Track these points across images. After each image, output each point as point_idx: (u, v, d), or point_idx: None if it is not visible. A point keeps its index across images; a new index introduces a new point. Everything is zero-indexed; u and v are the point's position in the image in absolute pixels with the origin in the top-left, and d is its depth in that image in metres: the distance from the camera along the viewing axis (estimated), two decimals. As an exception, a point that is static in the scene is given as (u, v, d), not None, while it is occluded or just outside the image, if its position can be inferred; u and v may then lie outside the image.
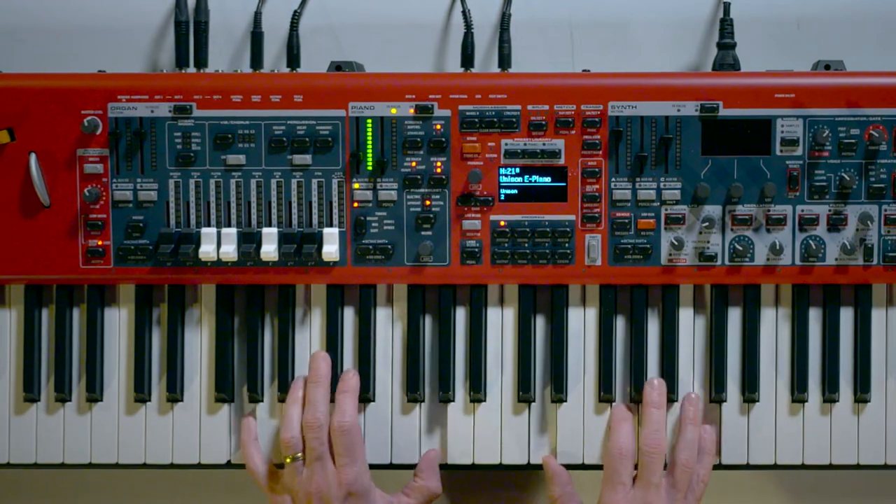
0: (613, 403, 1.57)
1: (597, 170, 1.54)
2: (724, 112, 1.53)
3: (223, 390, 1.57)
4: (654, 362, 1.57)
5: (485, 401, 1.58)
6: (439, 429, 1.57)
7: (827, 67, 1.57)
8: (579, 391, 1.58)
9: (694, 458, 1.53)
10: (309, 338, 1.58)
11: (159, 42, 1.66)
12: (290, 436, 1.53)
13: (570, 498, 1.54)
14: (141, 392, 1.57)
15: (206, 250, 1.54)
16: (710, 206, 1.54)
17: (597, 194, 1.54)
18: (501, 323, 1.58)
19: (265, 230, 1.54)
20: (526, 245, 1.55)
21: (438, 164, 1.54)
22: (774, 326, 1.57)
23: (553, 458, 1.56)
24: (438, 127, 1.54)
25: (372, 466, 1.56)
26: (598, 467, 1.56)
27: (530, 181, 1.54)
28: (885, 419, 1.56)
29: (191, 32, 1.62)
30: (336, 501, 1.50)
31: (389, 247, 1.54)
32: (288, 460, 1.53)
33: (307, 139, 1.54)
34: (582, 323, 1.58)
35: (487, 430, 1.57)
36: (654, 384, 1.55)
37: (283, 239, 1.54)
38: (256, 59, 1.62)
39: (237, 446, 1.58)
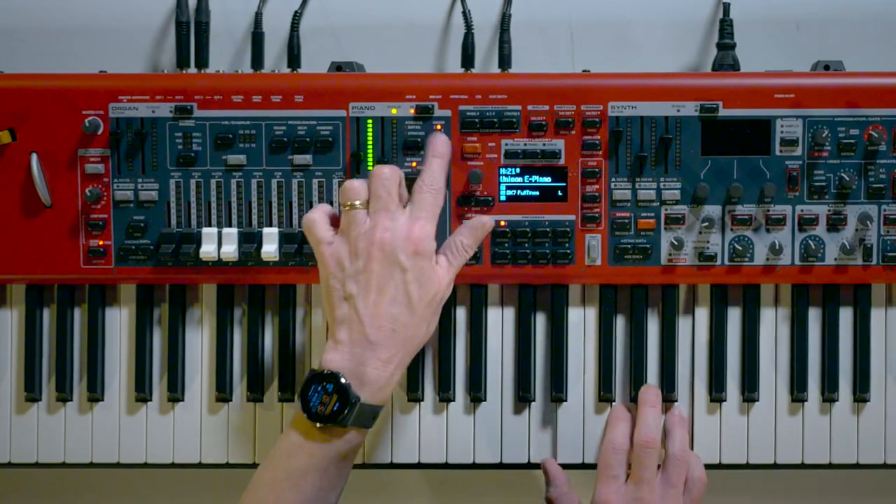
0: (613, 404, 1.57)
1: (597, 170, 1.54)
2: (723, 112, 1.53)
3: (224, 390, 1.57)
4: (654, 362, 1.58)
5: (485, 400, 1.58)
6: (440, 428, 1.58)
7: (826, 68, 1.57)
8: (579, 391, 1.58)
9: (687, 453, 1.52)
10: (310, 338, 1.59)
11: (160, 42, 1.66)
12: (350, 184, 1.45)
13: (567, 499, 1.55)
14: (142, 392, 1.58)
15: (207, 250, 1.54)
16: (709, 206, 1.54)
17: (597, 194, 1.54)
18: (502, 323, 1.58)
19: (266, 230, 1.54)
20: (526, 245, 1.55)
21: (439, 164, 1.55)
22: (774, 326, 1.57)
23: (552, 460, 1.56)
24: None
25: (372, 466, 1.56)
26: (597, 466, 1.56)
27: (530, 181, 1.54)
28: (884, 418, 1.56)
29: (192, 33, 1.62)
30: (402, 253, 1.42)
31: (390, 247, 1.55)
32: (346, 207, 1.45)
33: (308, 139, 1.54)
34: (582, 323, 1.58)
35: (487, 430, 1.58)
36: (650, 386, 1.55)
37: (284, 239, 1.55)
38: (257, 60, 1.62)
39: (238, 445, 1.58)
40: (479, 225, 1.50)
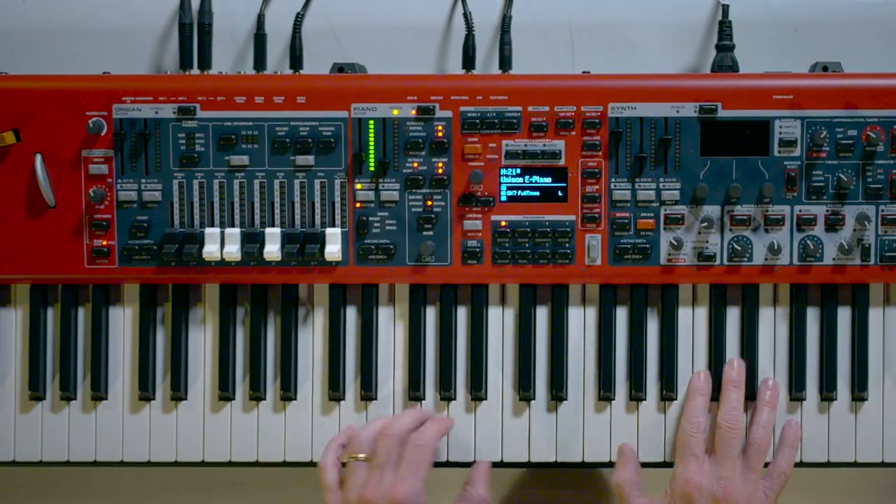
0: (618, 397, 1.57)
1: (597, 170, 1.55)
2: (722, 113, 1.53)
3: (226, 389, 1.58)
4: (654, 361, 1.58)
5: (485, 399, 1.58)
6: (441, 427, 1.59)
7: (825, 69, 1.57)
8: (579, 390, 1.58)
9: (768, 439, 1.52)
10: (311, 337, 1.59)
11: (163, 44, 1.66)
12: (358, 435, 1.52)
13: (634, 486, 1.53)
14: (145, 390, 1.58)
15: (210, 250, 1.54)
16: (708, 206, 1.55)
17: (597, 195, 1.55)
18: (502, 322, 1.59)
19: (268, 230, 1.55)
20: (526, 245, 1.55)
21: (440, 164, 1.55)
22: (772, 326, 1.58)
23: (629, 446, 1.56)
24: (440, 128, 1.55)
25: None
26: (598, 465, 1.57)
27: (531, 182, 1.55)
28: (882, 417, 1.57)
29: (195, 34, 1.63)
30: None
31: (391, 247, 1.55)
32: (350, 458, 1.51)
33: (310, 140, 1.55)
34: (582, 322, 1.59)
35: (488, 429, 1.58)
36: (734, 364, 1.55)
37: (286, 239, 1.55)
38: (259, 61, 1.63)
39: (240, 444, 1.58)
40: (488, 469, 1.56)
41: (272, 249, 1.54)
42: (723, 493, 1.49)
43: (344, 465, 1.52)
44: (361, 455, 1.51)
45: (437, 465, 1.57)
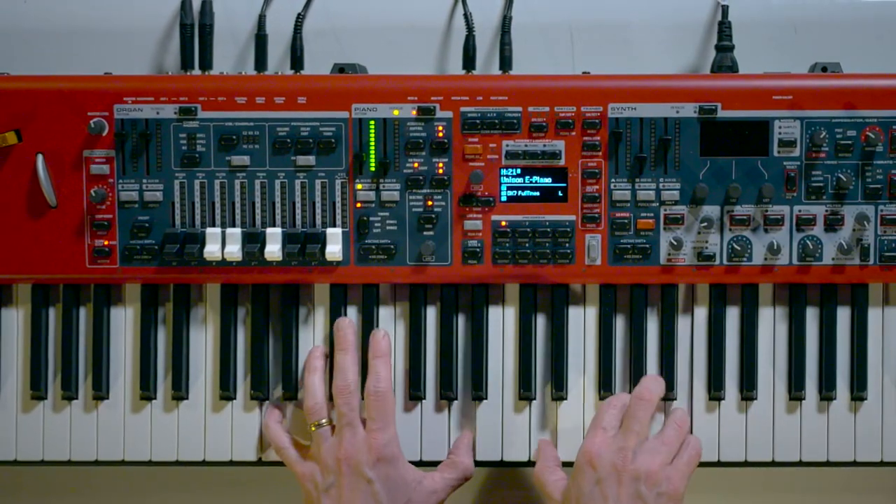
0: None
1: (597, 171, 1.55)
2: (722, 114, 1.54)
3: (227, 388, 1.58)
4: (654, 361, 1.58)
5: (486, 399, 1.59)
6: (441, 426, 1.59)
7: (824, 70, 1.58)
8: (579, 389, 1.59)
9: (687, 422, 1.53)
10: (312, 337, 1.60)
11: (165, 44, 1.66)
12: (314, 402, 1.53)
13: (551, 471, 1.53)
14: (146, 390, 1.59)
15: (211, 250, 1.55)
16: (708, 206, 1.55)
17: (597, 195, 1.55)
18: (502, 322, 1.59)
19: (269, 230, 1.55)
20: (527, 245, 1.56)
21: (440, 165, 1.56)
22: (772, 325, 1.58)
23: (547, 441, 1.57)
24: (440, 128, 1.55)
25: (374, 464, 1.57)
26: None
27: (531, 182, 1.55)
28: (881, 417, 1.57)
29: (196, 35, 1.63)
30: (366, 466, 1.49)
31: (392, 247, 1.56)
32: (313, 427, 1.52)
33: (311, 140, 1.55)
34: (582, 322, 1.59)
35: (489, 428, 1.59)
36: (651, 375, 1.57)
37: (287, 239, 1.56)
38: (260, 62, 1.63)
39: (241, 443, 1.59)
40: (471, 438, 1.57)
41: (273, 249, 1.55)
42: (622, 463, 1.47)
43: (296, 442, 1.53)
44: (324, 420, 1.52)
45: (436, 464, 1.58)
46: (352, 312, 1.59)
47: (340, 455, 1.50)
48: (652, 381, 1.54)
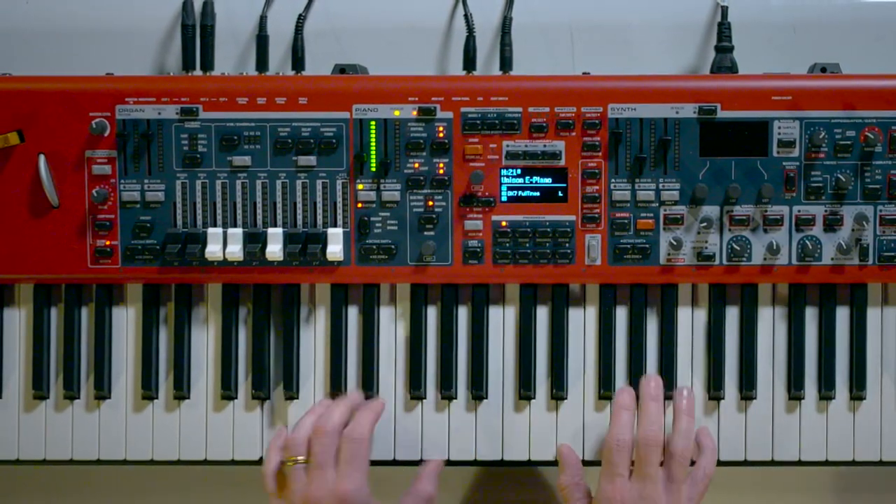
0: (617, 389, 1.57)
1: (597, 171, 1.55)
2: (721, 114, 1.54)
3: (229, 388, 1.59)
4: (653, 360, 1.59)
5: (486, 398, 1.59)
6: (441, 426, 1.59)
7: (823, 70, 1.58)
8: (579, 389, 1.59)
9: (689, 449, 1.53)
10: (313, 336, 1.60)
11: (166, 45, 1.67)
12: (295, 436, 1.53)
13: (577, 488, 1.55)
14: (148, 390, 1.59)
15: (213, 250, 1.55)
16: (708, 206, 1.55)
17: (597, 195, 1.56)
18: (503, 322, 1.60)
19: (270, 230, 1.56)
20: (527, 245, 1.56)
21: (441, 165, 1.56)
22: (771, 325, 1.59)
23: (569, 447, 1.57)
24: (441, 129, 1.55)
25: (375, 463, 1.57)
26: (599, 463, 1.57)
27: (531, 182, 1.56)
28: (880, 416, 1.57)
29: (197, 36, 1.63)
30: None
31: (393, 247, 1.56)
32: (289, 462, 1.53)
33: (312, 141, 1.55)
34: (582, 321, 1.59)
35: (489, 427, 1.59)
36: (651, 378, 1.55)
37: (288, 239, 1.56)
38: (262, 62, 1.63)
39: (243, 442, 1.59)
40: (438, 468, 1.57)
41: (274, 249, 1.55)
42: None
43: (283, 464, 1.53)
44: (300, 457, 1.52)
45: (438, 475, 1.58)
46: (353, 312, 1.59)
47: (307, 496, 1.50)
48: (656, 415, 1.53)
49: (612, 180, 1.55)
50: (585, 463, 1.58)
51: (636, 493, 1.50)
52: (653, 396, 1.54)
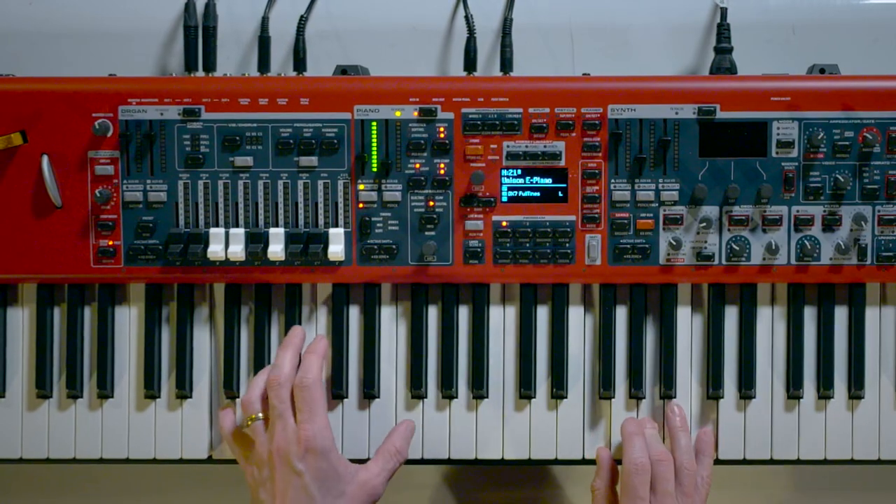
0: (618, 395, 1.58)
1: (597, 171, 1.56)
2: (721, 115, 1.55)
3: (231, 387, 1.59)
4: (653, 360, 1.59)
5: (487, 397, 1.60)
6: (442, 425, 1.60)
7: (822, 71, 1.58)
8: (579, 388, 1.60)
9: (693, 461, 1.54)
10: (315, 336, 1.61)
11: (169, 46, 1.67)
12: (249, 395, 1.54)
13: (606, 494, 1.55)
14: (151, 389, 1.59)
15: (215, 250, 1.56)
16: (707, 206, 1.56)
17: (597, 195, 1.56)
18: (503, 321, 1.60)
19: (272, 230, 1.56)
20: (527, 245, 1.57)
21: (442, 165, 1.56)
22: (770, 325, 1.59)
23: (607, 451, 1.57)
24: (442, 129, 1.56)
25: (377, 461, 1.58)
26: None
27: (531, 182, 1.56)
28: (878, 415, 1.58)
29: (199, 37, 1.63)
30: (295, 458, 1.49)
31: (394, 247, 1.57)
32: (248, 422, 1.53)
33: (313, 141, 1.56)
34: (582, 321, 1.60)
35: (489, 426, 1.59)
36: (675, 410, 1.57)
37: (290, 239, 1.56)
38: (264, 63, 1.64)
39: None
40: (412, 428, 1.57)
41: (276, 249, 1.55)
42: None
43: (242, 427, 1.55)
44: (259, 414, 1.53)
45: (438, 462, 1.59)
46: (354, 312, 1.60)
47: (272, 447, 1.51)
48: (658, 442, 1.55)
49: (612, 180, 1.56)
50: (585, 462, 1.58)
51: None
52: (680, 427, 1.56)
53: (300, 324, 1.60)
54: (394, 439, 1.56)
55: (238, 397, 1.60)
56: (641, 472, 1.52)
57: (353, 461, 1.55)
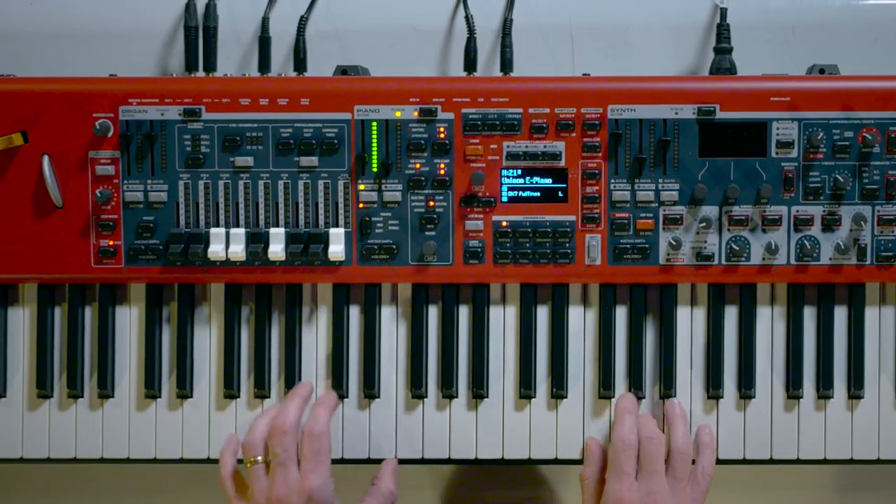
0: (618, 395, 1.58)
1: (596, 171, 1.56)
2: (720, 115, 1.55)
3: (231, 387, 1.60)
4: (652, 360, 1.60)
5: (487, 397, 1.60)
6: (442, 425, 1.60)
7: (821, 71, 1.59)
8: (579, 388, 1.60)
9: (689, 446, 1.54)
10: (315, 336, 1.61)
11: (169, 47, 1.67)
12: (251, 437, 1.53)
13: (595, 483, 1.55)
14: (151, 388, 1.60)
15: (215, 250, 1.56)
16: (707, 206, 1.56)
17: (596, 195, 1.56)
18: (503, 321, 1.60)
19: (273, 230, 1.57)
20: (527, 245, 1.57)
21: (442, 165, 1.57)
22: (770, 324, 1.59)
23: (596, 441, 1.57)
24: (442, 129, 1.56)
25: (376, 461, 1.58)
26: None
27: (531, 182, 1.56)
28: (878, 415, 1.58)
29: (200, 37, 1.63)
30: None
31: (394, 247, 1.57)
32: (248, 464, 1.53)
33: (314, 141, 1.56)
34: (582, 321, 1.60)
35: (489, 426, 1.60)
36: (675, 404, 1.58)
37: (290, 239, 1.57)
38: (264, 64, 1.64)
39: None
40: (397, 466, 1.58)
41: (276, 249, 1.56)
42: None
43: (241, 465, 1.54)
44: (259, 458, 1.52)
45: (438, 461, 1.59)
46: (354, 312, 1.60)
47: (272, 496, 1.50)
48: (652, 422, 1.55)
49: (612, 181, 1.56)
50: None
51: (643, 490, 1.51)
52: (680, 416, 1.57)
53: (300, 324, 1.60)
54: (385, 482, 1.56)
55: (238, 397, 1.60)
56: (628, 448, 1.52)
57: (353, 461, 1.56)
